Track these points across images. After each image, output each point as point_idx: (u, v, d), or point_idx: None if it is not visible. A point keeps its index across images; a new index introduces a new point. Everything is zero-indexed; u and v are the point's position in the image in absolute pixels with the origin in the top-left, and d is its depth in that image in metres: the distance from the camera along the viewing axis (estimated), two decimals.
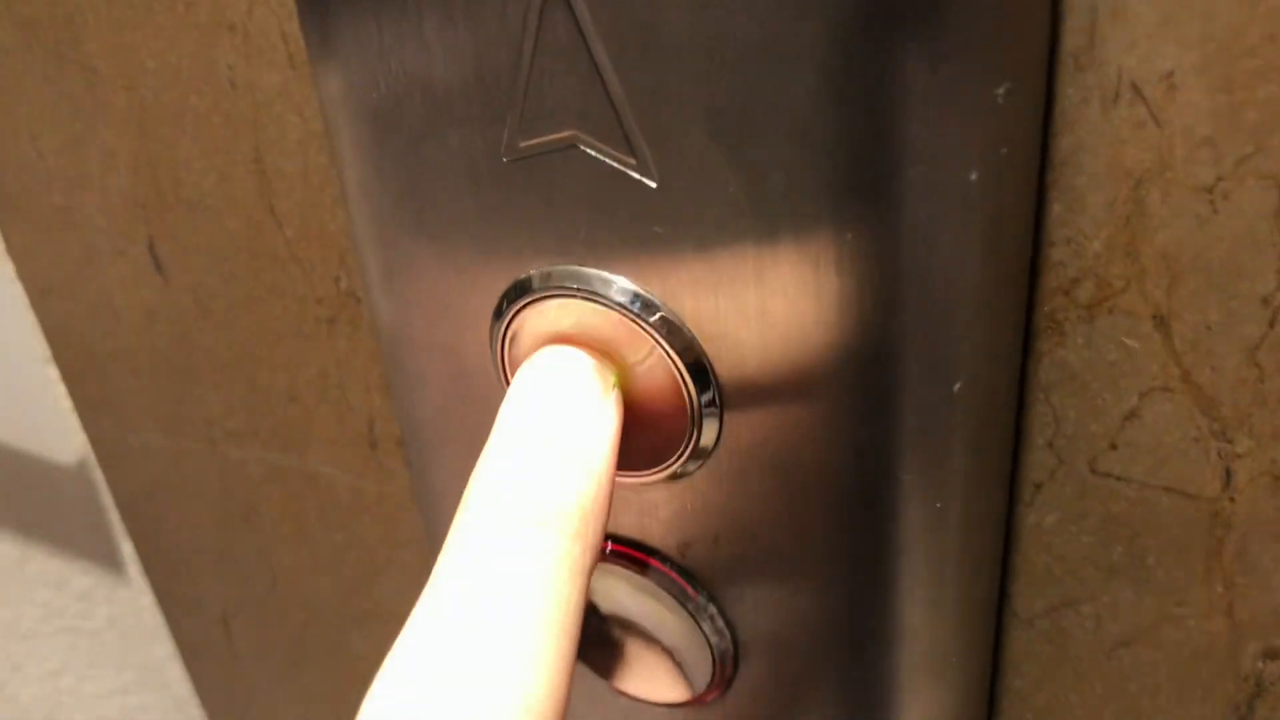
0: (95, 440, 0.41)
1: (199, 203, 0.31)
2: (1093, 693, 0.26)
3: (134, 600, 0.58)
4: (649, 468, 0.23)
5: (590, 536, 0.20)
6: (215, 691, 0.48)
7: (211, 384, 0.35)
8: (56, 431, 0.48)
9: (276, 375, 0.34)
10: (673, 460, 0.23)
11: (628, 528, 0.25)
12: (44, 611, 0.63)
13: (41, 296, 0.37)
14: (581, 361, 0.22)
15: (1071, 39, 0.19)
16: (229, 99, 0.28)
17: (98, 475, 0.47)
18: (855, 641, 0.24)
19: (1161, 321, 0.21)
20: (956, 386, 0.21)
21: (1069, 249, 0.21)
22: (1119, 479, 0.23)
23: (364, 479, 0.34)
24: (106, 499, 0.49)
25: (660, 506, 0.24)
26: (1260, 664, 0.23)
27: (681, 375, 0.22)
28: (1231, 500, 0.22)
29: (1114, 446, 0.22)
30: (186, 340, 0.35)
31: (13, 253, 0.37)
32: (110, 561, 0.58)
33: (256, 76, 0.28)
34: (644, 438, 0.23)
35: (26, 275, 0.37)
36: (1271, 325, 0.20)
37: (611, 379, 0.22)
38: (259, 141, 0.29)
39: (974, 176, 0.18)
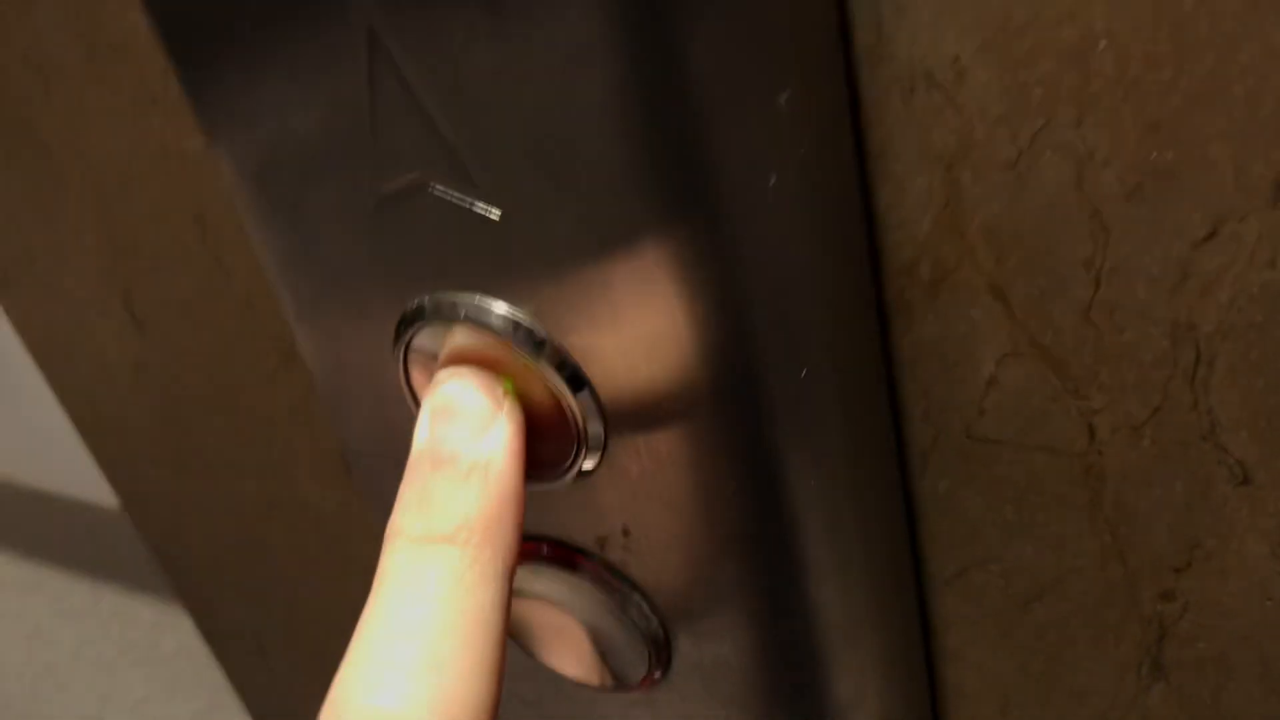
0: (120, 489, 0.44)
1: (159, 261, 0.33)
2: (1018, 646, 0.27)
3: (192, 633, 0.61)
4: (551, 474, 0.25)
5: (498, 541, 0.21)
6: (266, 712, 0.51)
7: (203, 425, 0.38)
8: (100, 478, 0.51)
9: (256, 411, 0.36)
10: (568, 464, 0.24)
11: (551, 526, 0.26)
12: (120, 646, 0.67)
13: (47, 362, 0.40)
14: (474, 380, 0.23)
15: (861, 36, 0.20)
16: (164, 164, 0.31)
17: None
18: (774, 614, 0.26)
19: (999, 292, 0.22)
20: (804, 372, 0.22)
21: (902, 233, 0.22)
22: (994, 442, 0.24)
23: (347, 498, 0.36)
24: None
25: (573, 509, 0.26)
26: (1159, 606, 0.24)
27: (559, 386, 0.23)
28: (1099, 453, 0.23)
29: (982, 412, 0.23)
30: (174, 387, 0.37)
31: (16, 324, 0.39)
32: (169, 593, 0.61)
33: (184, 141, 0.30)
34: (544, 446, 0.24)
35: (31, 344, 0.40)
36: (1097, 287, 0.21)
37: (503, 388, 0.23)
38: (198, 199, 0.31)
39: (773, 181, 0.19)
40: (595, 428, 0.24)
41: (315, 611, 0.42)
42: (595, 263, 0.21)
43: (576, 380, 0.23)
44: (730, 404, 0.22)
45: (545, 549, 0.27)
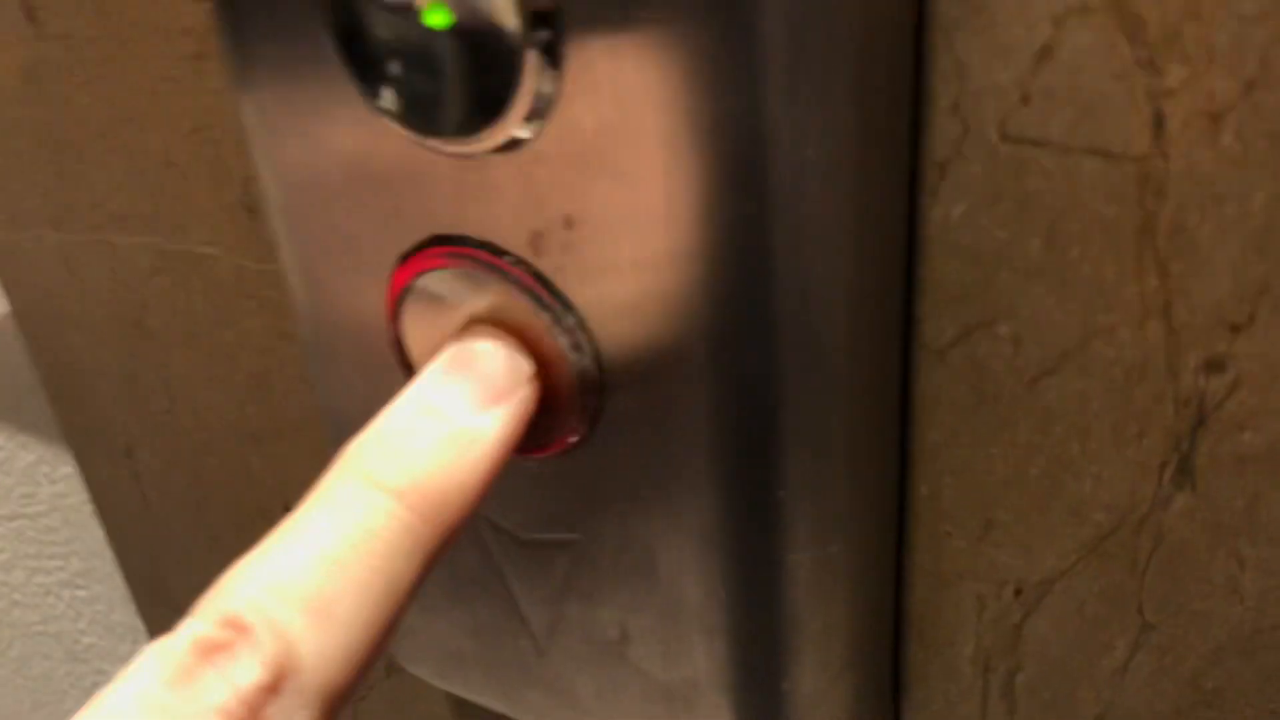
0: None
1: None
2: (1015, 442, 0.22)
3: (75, 478, 0.55)
4: (480, 130, 0.20)
5: (441, 520, 0.19)
6: (129, 542, 0.45)
7: (93, 157, 0.32)
8: None
9: (151, 135, 0.31)
10: (505, 114, 0.19)
11: (475, 221, 0.22)
12: None
13: None
14: (505, 350, 0.21)
15: None
16: None
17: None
18: (730, 345, 0.21)
19: None
20: None
21: None
22: (1034, 143, 0.19)
23: (244, 255, 0.31)
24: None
25: (503, 187, 0.21)
26: (1202, 380, 0.20)
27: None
28: (1165, 156, 0.18)
29: (1026, 99, 0.19)
30: (65, 104, 0.32)
31: None
32: (49, 434, 0.56)
33: None
34: (469, 92, 0.20)
35: None
36: None
37: (527, 371, 0.21)
38: None
39: None
40: (545, 84, 0.19)
41: (197, 410, 0.37)
42: None
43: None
44: (714, 58, 0.18)
45: (468, 254, 0.22)
